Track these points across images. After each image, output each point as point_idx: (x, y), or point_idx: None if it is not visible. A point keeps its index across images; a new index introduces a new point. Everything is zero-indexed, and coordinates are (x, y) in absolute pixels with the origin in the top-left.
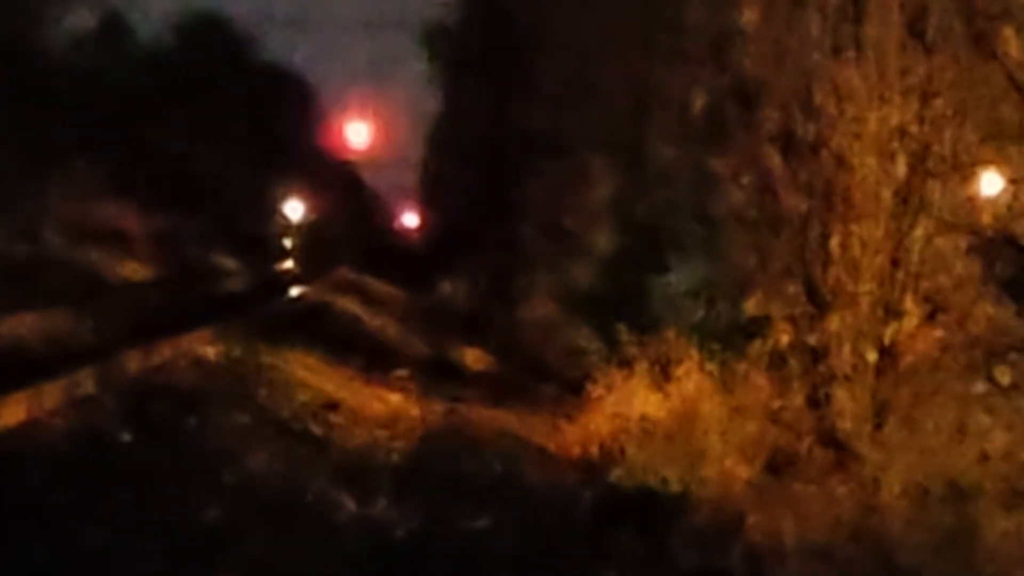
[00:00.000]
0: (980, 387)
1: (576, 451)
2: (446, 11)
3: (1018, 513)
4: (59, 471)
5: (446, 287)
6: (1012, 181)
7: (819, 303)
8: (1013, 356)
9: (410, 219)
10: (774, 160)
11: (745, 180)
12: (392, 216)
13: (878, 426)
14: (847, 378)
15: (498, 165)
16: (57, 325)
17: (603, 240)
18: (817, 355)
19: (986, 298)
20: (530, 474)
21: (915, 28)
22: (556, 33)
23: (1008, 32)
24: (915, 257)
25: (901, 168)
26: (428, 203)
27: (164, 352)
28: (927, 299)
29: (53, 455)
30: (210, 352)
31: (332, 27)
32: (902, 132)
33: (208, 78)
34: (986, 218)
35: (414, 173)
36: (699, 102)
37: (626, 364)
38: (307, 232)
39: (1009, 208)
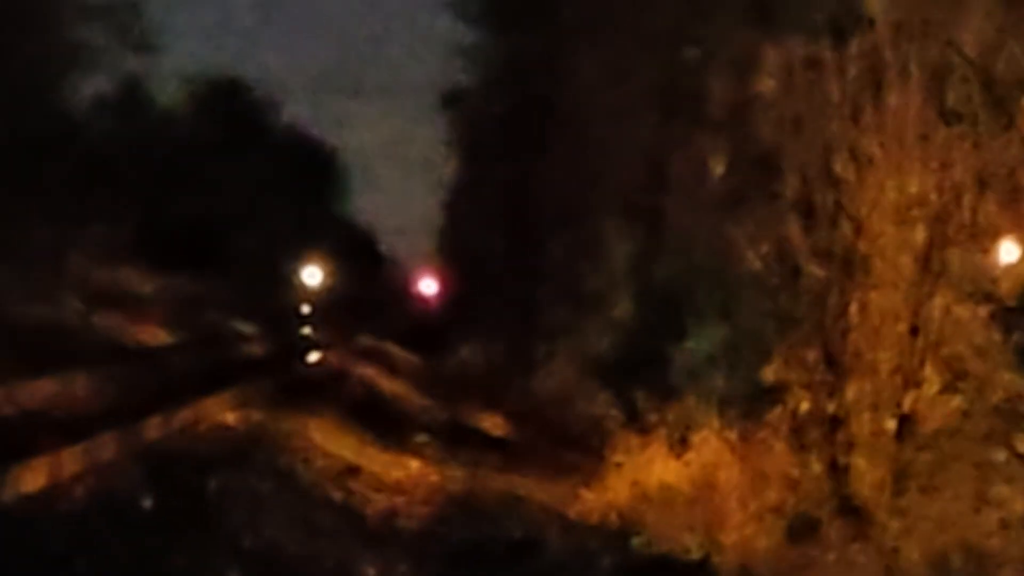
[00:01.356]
0: (1000, 455)
1: (595, 517)
2: (464, 77)
3: None
4: (79, 537)
5: (464, 352)
6: None
7: (838, 371)
8: None
9: (428, 285)
10: (793, 227)
11: (764, 247)
12: (410, 282)
13: (898, 493)
14: (866, 446)
15: (516, 230)
16: (76, 390)
17: (622, 305)
18: (836, 423)
19: (1005, 367)
20: (549, 540)
21: (934, 97)
22: (575, 98)
23: None
24: (934, 325)
25: (920, 236)
26: (446, 268)
27: (184, 417)
28: (946, 367)
29: (73, 521)
30: (230, 418)
31: (351, 92)
32: (921, 200)
33: (227, 142)
34: (1005, 286)
35: (432, 239)
36: (718, 169)
37: (645, 430)
38: (325, 298)
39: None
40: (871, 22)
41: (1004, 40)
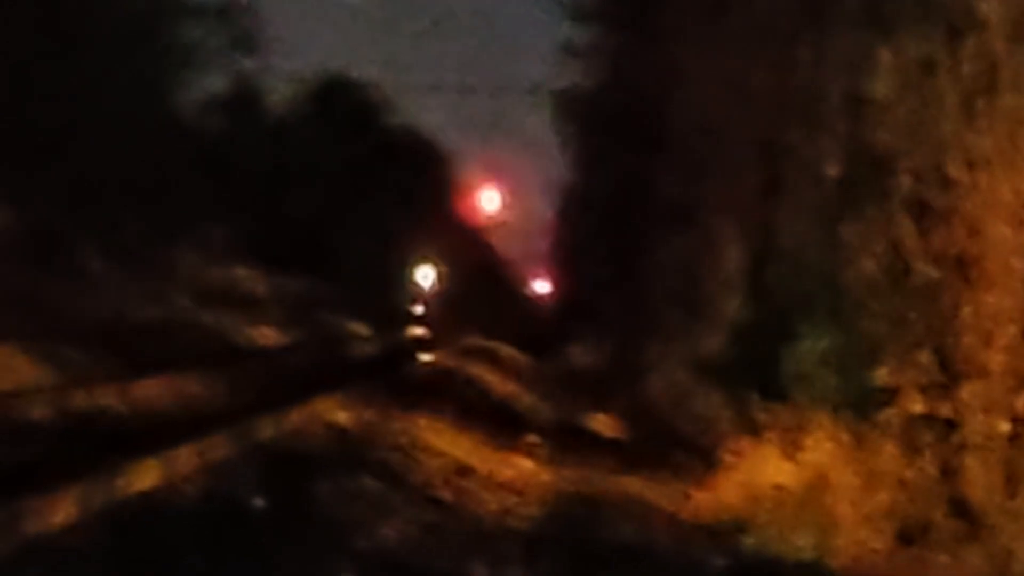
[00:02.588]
0: None
1: (707, 518)
2: (576, 78)
3: None
4: (191, 536)
5: (576, 353)
6: None
7: (951, 373)
8: None
9: (541, 286)
10: (906, 229)
11: (877, 248)
12: (523, 282)
13: (1011, 496)
14: (979, 448)
15: (628, 232)
16: (190, 389)
17: (733, 308)
18: (949, 425)
19: None
20: (661, 541)
21: None
22: (686, 100)
23: None
24: None
25: None
26: (559, 270)
27: (296, 417)
28: None
29: (186, 520)
30: (342, 417)
31: (464, 92)
32: None
33: (340, 143)
34: None
35: (545, 239)
36: (832, 171)
37: (756, 432)
38: (437, 298)
39: None
40: (985, 22)
41: None
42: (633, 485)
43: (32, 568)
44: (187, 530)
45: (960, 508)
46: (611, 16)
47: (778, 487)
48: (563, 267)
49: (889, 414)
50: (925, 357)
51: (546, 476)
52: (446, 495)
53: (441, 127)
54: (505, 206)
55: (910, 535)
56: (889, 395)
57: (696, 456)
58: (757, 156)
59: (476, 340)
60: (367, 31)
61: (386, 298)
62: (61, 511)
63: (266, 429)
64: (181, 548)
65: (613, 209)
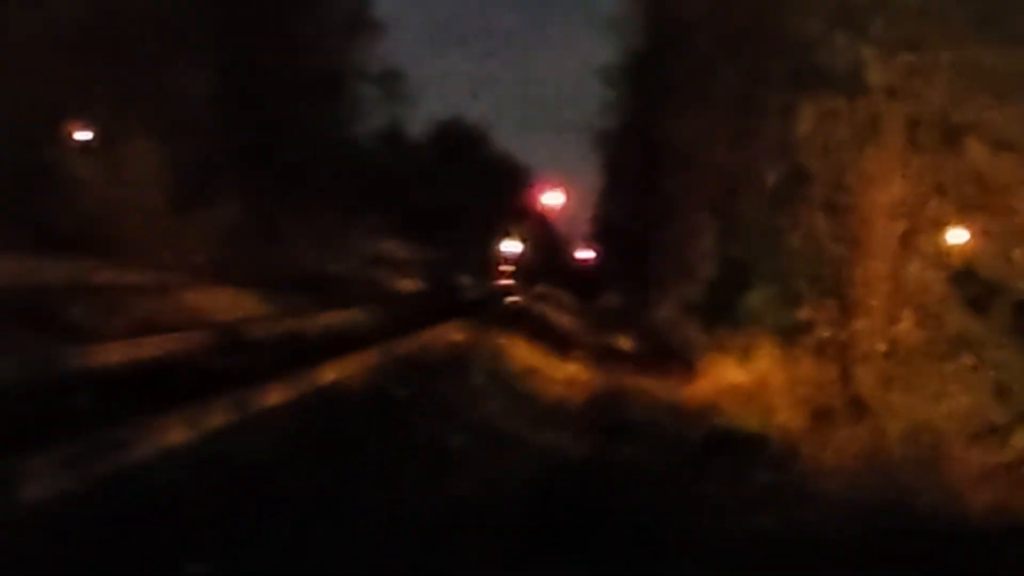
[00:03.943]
0: (951, 368)
1: (689, 404)
2: (610, 122)
3: (973, 446)
4: (356, 413)
5: (607, 298)
6: (971, 234)
7: (847, 313)
8: (974, 347)
9: (585, 254)
10: (820, 220)
11: (800, 233)
12: (573, 251)
13: (885, 392)
14: (865, 360)
15: (641, 221)
16: (358, 318)
17: (707, 270)
18: (845, 346)
19: (955, 310)
20: (660, 418)
21: (910, 135)
22: (675, 137)
23: (971, 140)
24: (909, 283)
25: (901, 227)
26: (597, 244)
27: (428, 336)
28: (916, 310)
29: (352, 402)
30: (457, 337)
31: (540, 128)
32: (902, 203)
33: (455, 160)
34: (955, 258)
35: (587, 226)
36: (771, 181)
37: (721, 350)
38: (518, 261)
39: (971, 250)
40: (870, 87)
41: (961, 99)
42: (642, 382)
43: (259, 427)
44: (355, 408)
45: (853, 400)
46: (629, 84)
47: (735, 385)
48: (599, 242)
49: (807, 339)
50: (831, 302)
51: (585, 376)
52: (522, 387)
53: (523, 151)
54: (563, 202)
55: (820, 416)
56: (807, 326)
57: (682, 364)
58: (721, 173)
59: (542, 289)
60: (477, 85)
61: (485, 261)
62: (276, 395)
63: (406, 345)
64: (349, 420)
65: (631, 206)
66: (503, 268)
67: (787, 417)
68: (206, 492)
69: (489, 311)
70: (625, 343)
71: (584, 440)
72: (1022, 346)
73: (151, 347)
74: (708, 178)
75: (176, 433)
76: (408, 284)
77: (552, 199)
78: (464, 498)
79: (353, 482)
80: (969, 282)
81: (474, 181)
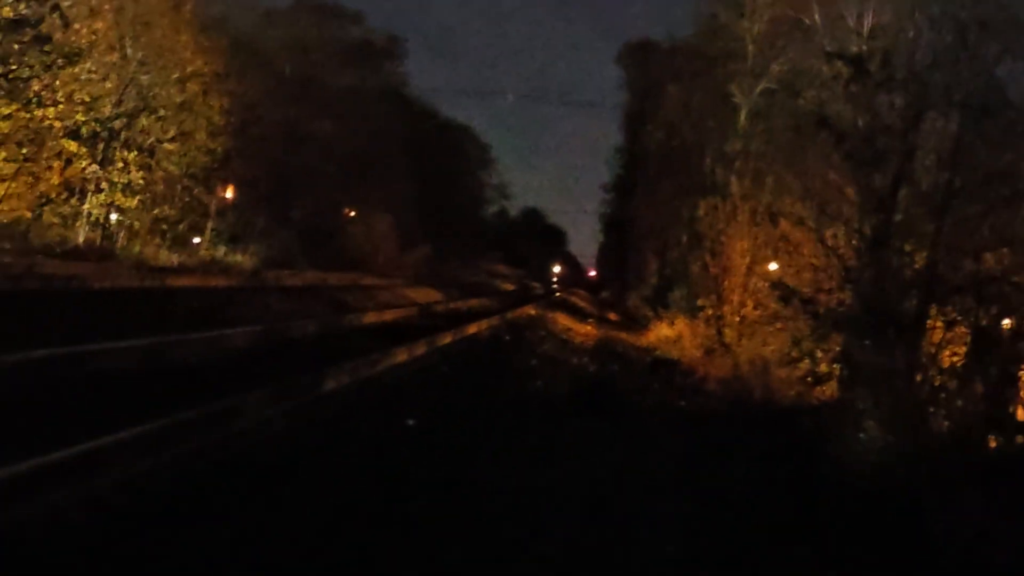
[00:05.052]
0: (770, 329)
1: (644, 345)
2: (607, 207)
3: (782, 367)
4: (485, 347)
5: (604, 293)
6: (779, 265)
7: (720, 302)
8: (781, 319)
9: (592, 273)
10: (707, 257)
11: (697, 263)
12: (587, 271)
13: (739, 340)
14: (730, 325)
15: (622, 252)
16: (485, 303)
17: (654, 280)
18: (720, 318)
19: (772, 301)
20: (631, 352)
21: (752, 217)
22: (644, 215)
23: (782, 219)
24: (750, 288)
25: (747, 261)
26: (599, 267)
27: (518, 311)
28: (754, 301)
29: (482, 345)
30: (532, 311)
31: (568, 213)
32: (747, 250)
33: (530, 230)
34: (773, 276)
35: (594, 259)
36: (683, 239)
37: (660, 319)
38: (560, 276)
39: (779, 273)
40: (731, 194)
41: (777, 199)
42: (621, 335)
43: (439, 353)
44: (482, 348)
45: (723, 344)
46: (615, 191)
47: (666, 337)
48: (600, 266)
49: (701, 315)
50: (712, 297)
51: (595, 331)
52: (563, 336)
53: (565, 224)
54: (583, 244)
55: (707, 352)
56: (701, 308)
57: (640, 327)
58: (660, 234)
59: (573, 290)
60: (543, 190)
61: (544, 275)
62: (447, 337)
63: (510, 315)
64: (484, 348)
65: (615, 250)
66: (553, 279)
67: (691, 352)
68: (415, 385)
69: (546, 300)
70: (613, 316)
71: (594, 361)
72: (806, 319)
73: (387, 315)
74: (653, 236)
75: (400, 356)
76: (509, 287)
77: (576, 247)
78: (536, 387)
79: (483, 379)
80: (779, 287)
81: (538, 236)
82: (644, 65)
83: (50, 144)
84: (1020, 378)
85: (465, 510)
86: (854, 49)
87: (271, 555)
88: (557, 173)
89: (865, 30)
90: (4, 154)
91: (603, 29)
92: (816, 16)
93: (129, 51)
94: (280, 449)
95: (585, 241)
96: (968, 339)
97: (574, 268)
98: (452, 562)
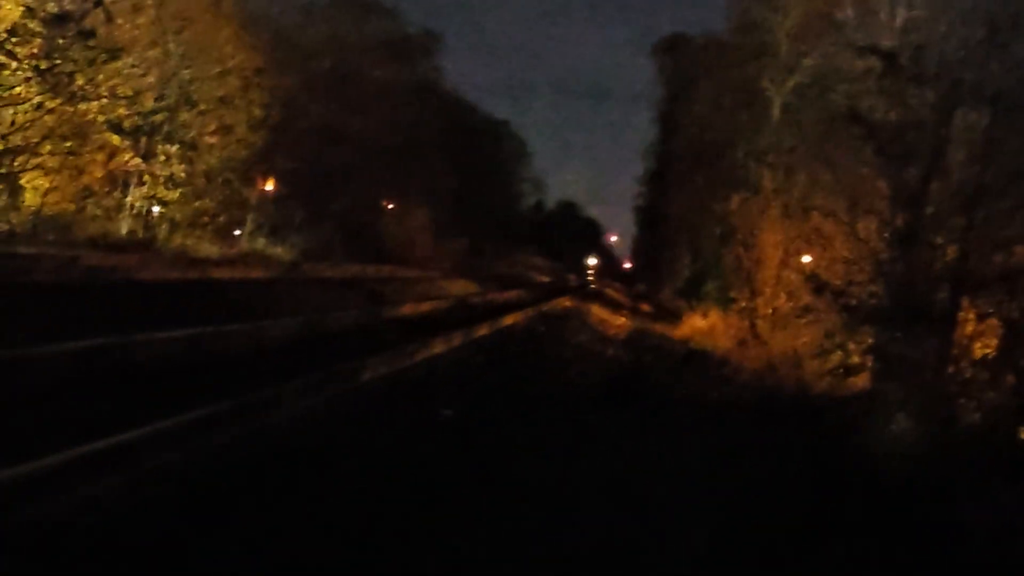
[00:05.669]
0: (803, 322)
1: (677, 336)
2: (641, 199)
3: (814, 360)
4: (520, 338)
5: (638, 286)
6: (812, 258)
7: (753, 295)
8: (813, 312)
9: (627, 265)
10: (740, 250)
11: (731, 257)
12: (622, 264)
13: (771, 333)
14: (763, 318)
15: (654, 248)
16: (520, 294)
17: (685, 273)
18: (753, 310)
19: (805, 294)
20: (664, 344)
21: (784, 211)
22: (673, 209)
23: (813, 212)
24: (783, 281)
25: (779, 254)
26: (633, 260)
27: (553, 303)
28: (787, 294)
29: (520, 332)
30: (567, 303)
31: (608, 203)
32: (779, 243)
33: (566, 223)
34: (805, 269)
35: (629, 251)
36: (717, 232)
37: (693, 311)
38: (594, 269)
39: (812, 266)
40: (764, 188)
41: (809, 192)
42: (656, 326)
43: (475, 344)
44: (520, 333)
45: (755, 336)
46: (653, 178)
47: (699, 328)
48: (634, 259)
49: (734, 307)
50: (745, 290)
51: (629, 323)
52: (597, 328)
53: (603, 217)
54: (617, 241)
55: (740, 343)
56: (734, 301)
57: (674, 319)
58: (692, 227)
59: (607, 282)
60: (578, 184)
61: (580, 268)
62: (483, 329)
63: (544, 307)
64: (519, 339)
65: (649, 243)
66: (588, 272)
67: (724, 344)
68: (451, 374)
69: (581, 293)
70: (646, 308)
71: (628, 352)
72: (838, 312)
73: (424, 307)
74: (686, 230)
75: (437, 347)
76: (544, 279)
77: (612, 239)
78: (571, 378)
79: (519, 370)
80: (811, 280)
81: (575, 229)
82: (678, 60)
83: (94, 138)
84: None
85: (500, 499)
86: (886, 44)
87: (310, 531)
88: (594, 167)
89: (897, 25)
90: (49, 147)
91: (642, 29)
92: (848, 10)
93: (171, 46)
94: (317, 437)
95: (622, 233)
96: (999, 331)
97: (609, 261)
98: (485, 544)
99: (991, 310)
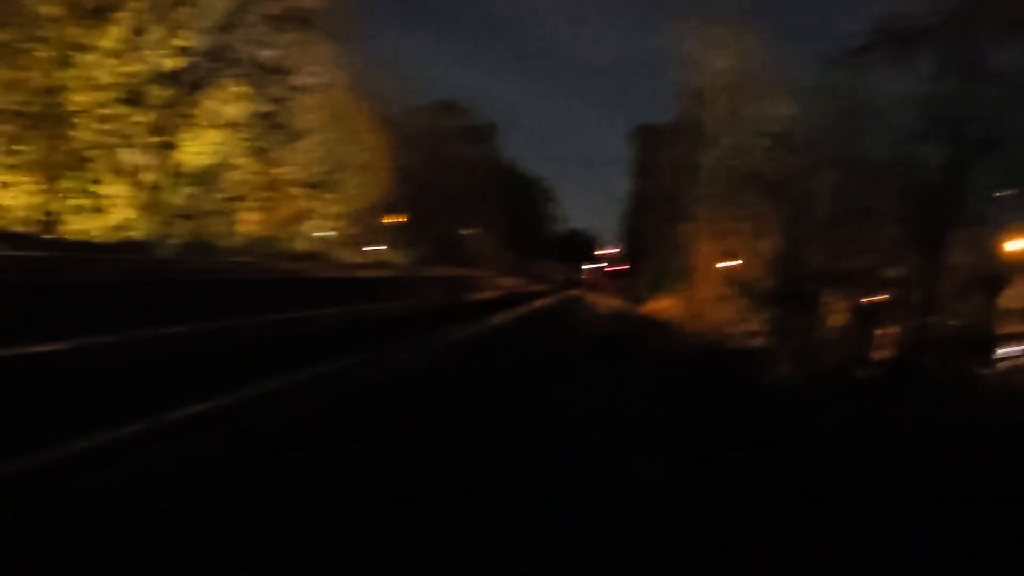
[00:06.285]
0: (725, 304)
1: (645, 313)
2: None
3: (731, 326)
4: (544, 317)
5: (622, 283)
6: (728, 264)
7: (694, 286)
8: (734, 299)
9: (614, 269)
10: (684, 259)
11: (680, 262)
12: (607, 269)
13: (705, 311)
14: (700, 301)
15: (641, 249)
16: (544, 287)
17: (651, 273)
18: (693, 296)
19: (728, 286)
20: (634, 317)
21: (712, 234)
22: (666, 199)
23: (731, 237)
24: (712, 278)
25: (709, 261)
26: (618, 263)
27: (565, 294)
28: (716, 286)
29: (544, 312)
30: (574, 294)
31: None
32: (710, 256)
33: (574, 237)
34: (726, 271)
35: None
36: (670, 246)
37: (655, 297)
38: (591, 271)
39: (727, 267)
40: (697, 219)
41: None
42: (630, 307)
43: (515, 321)
44: (545, 313)
45: (696, 313)
46: (645, 165)
47: (660, 308)
48: (618, 264)
49: (682, 294)
50: (688, 282)
51: (617, 304)
52: (598, 310)
53: (600, 235)
54: (608, 251)
55: (687, 317)
56: (682, 290)
57: (642, 303)
58: (654, 241)
59: (599, 281)
60: (589, 200)
61: (581, 270)
62: (522, 310)
63: (559, 295)
64: (544, 317)
65: (628, 253)
66: (583, 275)
67: (676, 317)
68: (501, 338)
69: (581, 288)
70: (626, 296)
71: (613, 322)
72: (749, 297)
73: (487, 294)
74: (651, 245)
75: (495, 319)
76: (559, 277)
77: (605, 249)
78: (575, 340)
79: (543, 333)
80: (729, 277)
81: (578, 245)
82: (645, 140)
83: (282, 190)
84: (874, 335)
85: (536, 400)
86: (774, 128)
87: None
88: (597, 204)
89: (781, 116)
90: (254, 196)
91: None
92: (751, 109)
93: (330, 133)
94: (419, 374)
95: (613, 247)
96: (845, 311)
97: (599, 267)
98: (528, 415)
99: (840, 297)
